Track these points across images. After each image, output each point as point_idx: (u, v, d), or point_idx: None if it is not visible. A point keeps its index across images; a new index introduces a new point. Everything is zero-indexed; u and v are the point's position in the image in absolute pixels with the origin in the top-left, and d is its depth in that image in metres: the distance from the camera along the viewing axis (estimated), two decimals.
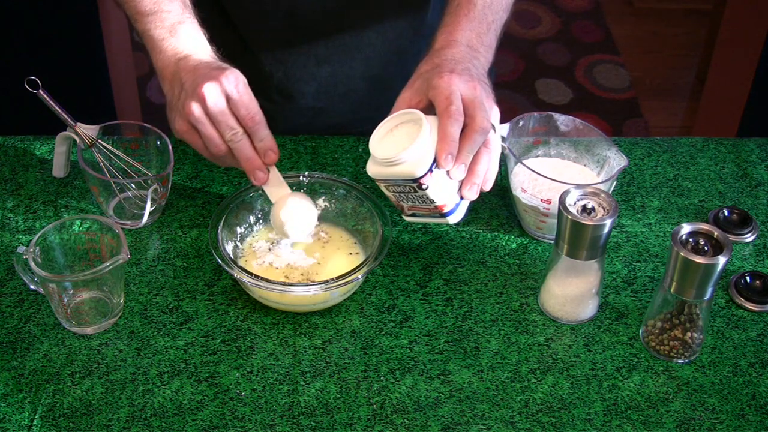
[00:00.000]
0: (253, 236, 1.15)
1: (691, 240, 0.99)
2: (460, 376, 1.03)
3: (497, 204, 1.23)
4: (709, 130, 2.53)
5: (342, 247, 1.15)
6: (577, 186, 1.05)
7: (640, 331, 1.07)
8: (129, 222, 1.18)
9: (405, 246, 1.17)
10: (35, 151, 1.29)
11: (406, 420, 0.98)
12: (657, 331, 1.05)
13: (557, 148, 1.21)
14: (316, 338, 1.06)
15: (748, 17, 2.37)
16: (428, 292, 1.12)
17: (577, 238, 1.01)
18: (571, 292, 1.07)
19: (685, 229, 0.99)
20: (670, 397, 1.01)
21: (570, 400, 1.01)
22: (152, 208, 1.16)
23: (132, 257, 1.14)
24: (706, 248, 0.98)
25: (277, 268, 1.11)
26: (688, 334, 1.03)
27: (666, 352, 1.05)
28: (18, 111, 2.06)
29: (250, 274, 1.05)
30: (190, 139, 1.06)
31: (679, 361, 1.05)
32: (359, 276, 1.06)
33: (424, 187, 0.99)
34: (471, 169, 1.02)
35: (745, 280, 1.12)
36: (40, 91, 1.13)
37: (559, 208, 1.02)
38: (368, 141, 1.03)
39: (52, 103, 1.14)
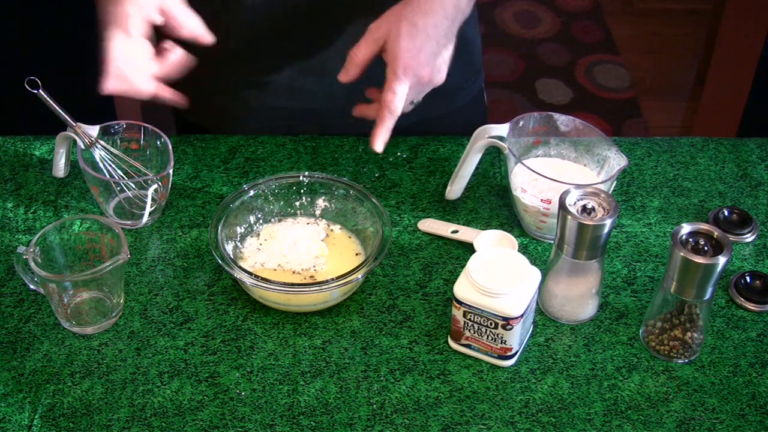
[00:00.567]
0: (252, 236, 1.15)
1: (691, 240, 0.99)
2: (460, 376, 1.03)
3: (497, 204, 1.23)
4: (709, 130, 2.53)
5: (342, 246, 1.15)
6: (577, 186, 1.05)
7: (640, 331, 1.07)
8: (129, 222, 1.18)
9: (405, 246, 1.17)
10: (35, 151, 1.29)
11: (406, 420, 0.98)
12: (657, 331, 1.05)
13: (557, 148, 1.21)
14: (316, 338, 1.06)
15: (748, 17, 2.37)
16: (428, 292, 1.12)
17: (577, 238, 1.01)
18: (571, 292, 1.07)
19: (685, 229, 0.99)
20: (670, 397, 1.01)
21: (570, 400, 1.01)
22: (152, 208, 1.16)
23: (132, 257, 1.14)
24: (706, 248, 0.98)
25: (275, 269, 1.11)
26: (688, 334, 1.03)
27: (666, 352, 1.05)
28: (18, 111, 2.06)
29: (250, 274, 1.05)
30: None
31: (679, 361, 1.05)
32: (359, 276, 1.06)
33: (509, 328, 1.00)
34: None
35: (745, 280, 1.12)
36: (40, 91, 1.13)
37: (559, 208, 1.02)
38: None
39: (52, 103, 1.14)
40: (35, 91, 1.12)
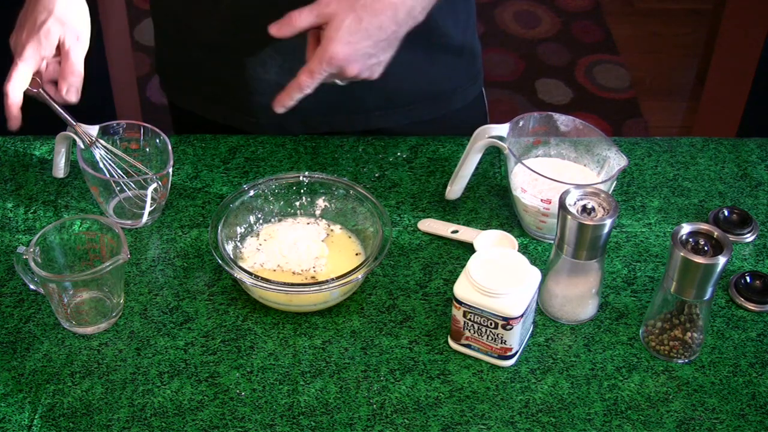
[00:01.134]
0: (252, 236, 1.15)
1: (691, 240, 0.99)
2: (460, 376, 1.03)
3: (497, 204, 1.23)
4: (709, 130, 2.53)
5: (342, 246, 1.15)
6: (577, 186, 1.05)
7: (640, 331, 1.07)
8: (129, 222, 1.18)
9: (405, 246, 1.17)
10: (35, 151, 1.29)
11: (406, 420, 0.98)
12: (657, 331, 1.05)
13: (557, 148, 1.21)
14: (316, 338, 1.06)
15: (748, 17, 2.37)
16: (428, 292, 1.12)
17: (577, 238, 1.01)
18: (571, 292, 1.07)
19: (685, 229, 0.99)
20: (670, 397, 1.01)
21: (570, 400, 1.01)
22: (152, 208, 1.16)
23: (132, 257, 1.14)
24: (706, 248, 0.98)
25: (274, 269, 1.11)
26: (688, 334, 1.03)
27: (666, 352, 1.05)
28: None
29: (250, 274, 1.05)
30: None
31: (679, 361, 1.05)
32: (359, 276, 1.06)
33: (509, 327, 1.00)
34: None
35: (745, 280, 1.12)
36: (41, 90, 1.13)
37: (559, 208, 1.02)
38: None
39: (53, 103, 1.14)
40: (36, 90, 1.12)
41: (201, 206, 1.22)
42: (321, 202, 1.18)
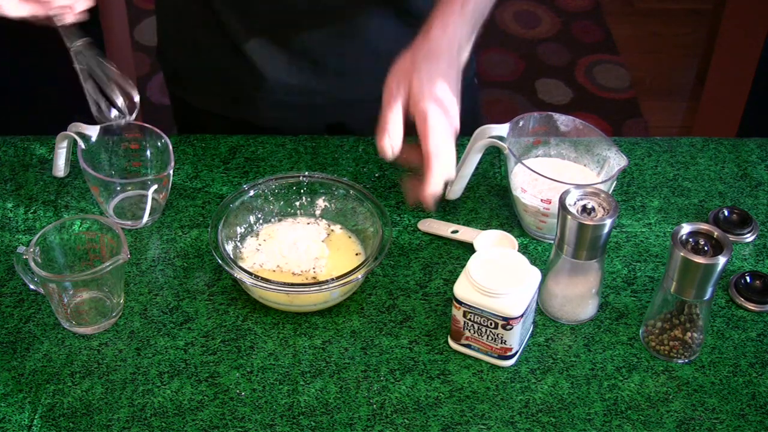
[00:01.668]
0: (252, 236, 1.15)
1: (691, 240, 0.99)
2: (460, 376, 1.03)
3: (497, 204, 1.23)
4: (709, 130, 2.53)
5: (342, 246, 1.15)
6: (577, 186, 1.05)
7: (640, 331, 1.07)
8: (129, 222, 1.18)
9: (405, 246, 1.17)
10: (35, 151, 1.29)
11: (406, 420, 0.98)
12: (657, 331, 1.05)
13: (557, 148, 1.21)
14: (316, 338, 1.06)
15: (748, 17, 2.37)
16: (428, 292, 1.12)
17: (577, 238, 1.01)
18: (571, 292, 1.07)
19: (685, 229, 0.99)
20: (670, 397, 1.01)
21: (570, 400, 1.01)
22: (152, 208, 1.16)
23: (132, 257, 1.14)
24: (706, 248, 0.98)
25: (274, 270, 1.11)
26: (688, 334, 1.03)
27: (666, 352, 1.05)
28: (18, 111, 2.06)
29: (250, 274, 1.05)
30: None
31: (679, 361, 1.05)
32: (359, 276, 1.06)
33: (508, 327, 1.00)
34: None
35: (745, 280, 1.12)
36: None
37: (559, 208, 1.02)
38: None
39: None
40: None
41: (201, 206, 1.22)
42: (321, 202, 1.18)
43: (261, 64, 1.31)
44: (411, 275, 1.14)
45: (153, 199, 1.14)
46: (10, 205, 1.21)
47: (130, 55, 2.65)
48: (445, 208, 1.22)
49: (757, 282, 1.12)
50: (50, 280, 1.02)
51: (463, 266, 1.11)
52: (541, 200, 1.13)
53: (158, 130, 1.20)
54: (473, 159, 1.19)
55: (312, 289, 1.04)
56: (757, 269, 1.15)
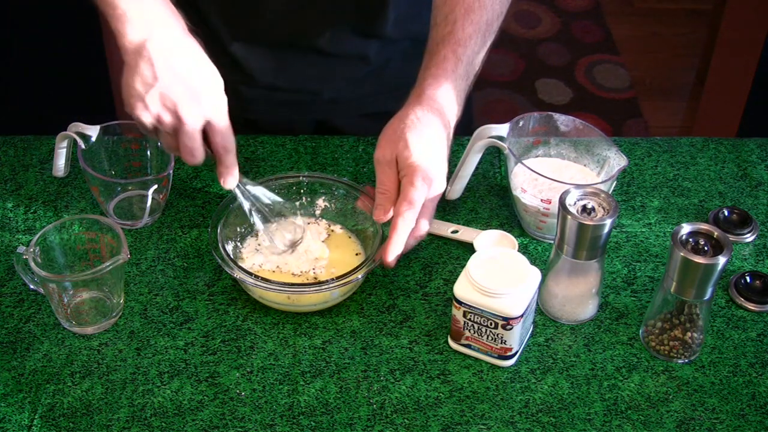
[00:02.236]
0: (252, 236, 1.15)
1: (691, 240, 0.99)
2: (460, 376, 1.03)
3: (497, 204, 1.23)
4: (709, 130, 2.53)
5: (342, 246, 1.15)
6: (577, 186, 1.05)
7: (640, 331, 1.07)
8: (129, 222, 1.18)
9: None
10: (35, 151, 1.29)
11: (406, 420, 0.98)
12: (657, 331, 1.04)
13: (557, 148, 1.21)
14: (316, 338, 1.06)
15: (748, 17, 2.37)
16: (428, 292, 1.12)
17: (577, 238, 1.01)
18: (571, 292, 1.07)
19: (685, 229, 0.99)
20: (670, 397, 1.01)
21: (570, 400, 1.01)
22: (152, 208, 1.16)
23: (132, 257, 1.14)
24: (706, 248, 0.98)
25: (273, 270, 1.11)
26: (688, 334, 1.03)
27: (666, 352, 1.05)
28: (18, 111, 2.06)
29: (250, 274, 1.05)
30: (146, 130, 1.03)
31: (679, 361, 1.05)
32: (359, 276, 1.06)
33: (508, 327, 1.00)
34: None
35: (745, 280, 1.12)
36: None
37: (559, 208, 1.02)
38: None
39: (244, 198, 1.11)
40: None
41: (201, 206, 1.22)
42: (321, 202, 1.18)
43: (247, 65, 1.31)
44: (411, 275, 1.14)
45: (153, 199, 1.14)
46: (10, 205, 1.21)
47: None
48: (445, 208, 1.22)
49: (757, 282, 1.12)
50: (50, 280, 1.02)
51: (463, 266, 1.11)
52: (541, 200, 1.13)
53: None
54: (473, 159, 1.19)
55: (312, 289, 1.04)
56: (757, 269, 1.15)
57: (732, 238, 1.17)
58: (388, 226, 1.11)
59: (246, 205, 1.11)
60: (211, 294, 1.11)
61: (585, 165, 1.20)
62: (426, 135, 1.06)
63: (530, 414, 0.99)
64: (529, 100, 2.96)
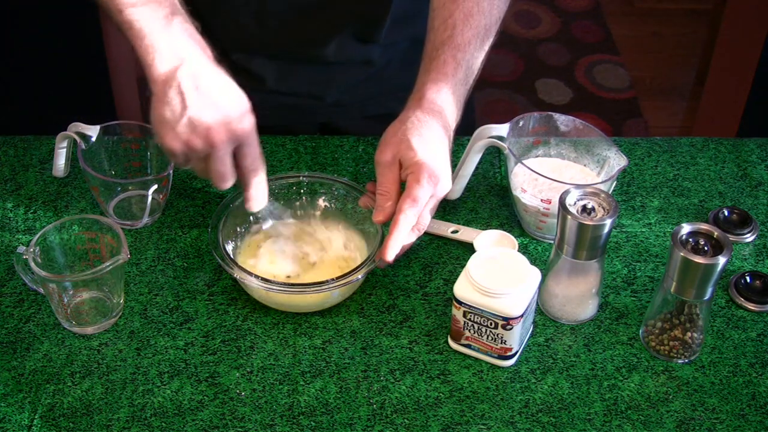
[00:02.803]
0: (251, 236, 1.15)
1: (691, 240, 0.99)
2: (460, 376, 1.03)
3: (497, 204, 1.23)
4: (709, 130, 2.53)
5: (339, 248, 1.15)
6: (577, 186, 1.05)
7: (640, 331, 1.07)
8: (129, 222, 1.18)
9: None
10: (35, 151, 1.29)
11: (406, 420, 0.98)
12: (657, 331, 1.05)
13: (557, 148, 1.21)
14: (316, 338, 1.06)
15: (748, 17, 2.37)
16: (428, 292, 1.12)
17: (577, 238, 1.01)
18: (571, 292, 1.07)
19: (685, 229, 0.99)
20: (670, 397, 1.01)
21: (570, 400, 1.01)
22: (152, 208, 1.16)
23: (132, 257, 1.14)
24: (706, 248, 0.98)
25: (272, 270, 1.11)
26: (688, 334, 1.03)
27: (666, 352, 1.05)
28: (18, 111, 2.06)
29: (250, 274, 1.05)
30: (177, 158, 1.03)
31: (679, 361, 1.05)
32: (359, 276, 1.06)
33: (508, 327, 1.00)
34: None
35: (745, 280, 1.12)
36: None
37: (559, 208, 1.02)
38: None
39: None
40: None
41: (201, 206, 1.22)
42: (321, 202, 1.18)
43: (250, 72, 1.32)
44: (411, 275, 1.14)
45: (153, 199, 1.14)
46: (10, 205, 1.21)
47: (131, 55, 2.65)
48: (445, 208, 1.22)
49: (757, 282, 1.12)
50: (50, 280, 1.02)
51: (463, 266, 1.11)
52: (541, 200, 1.13)
53: None
54: (473, 159, 1.19)
55: (312, 289, 1.04)
56: (757, 269, 1.15)
57: (732, 238, 1.17)
58: (388, 225, 1.11)
59: (267, 225, 1.11)
60: (211, 294, 1.11)
61: (585, 165, 1.20)
62: (427, 136, 1.06)
63: (530, 414, 0.99)
64: (529, 100, 2.96)
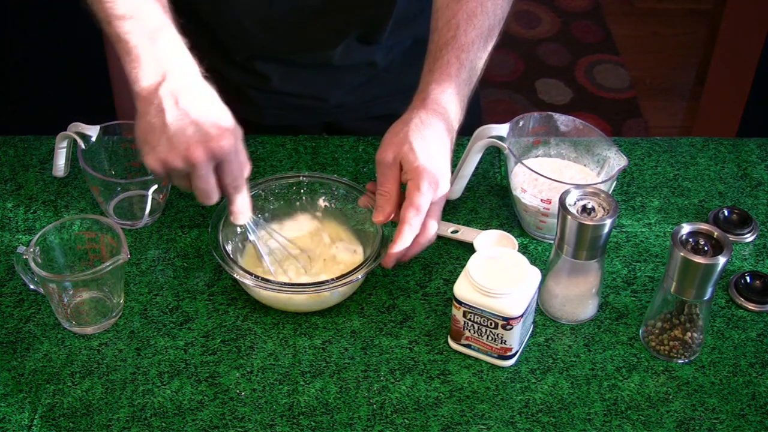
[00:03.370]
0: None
1: (691, 240, 0.99)
2: (460, 376, 1.03)
3: (497, 204, 1.23)
4: (709, 130, 2.53)
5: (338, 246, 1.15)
6: (577, 186, 1.05)
7: (640, 331, 1.07)
8: (129, 222, 1.18)
9: None
10: (35, 151, 1.29)
11: (406, 420, 0.98)
12: (657, 331, 1.04)
13: (557, 148, 1.21)
14: (316, 338, 1.06)
15: (748, 17, 2.37)
16: (428, 292, 1.12)
17: (577, 238, 1.01)
18: (571, 292, 1.07)
19: (685, 229, 0.99)
20: (670, 397, 1.01)
21: (570, 400, 1.01)
22: (152, 208, 1.16)
23: (132, 257, 1.14)
24: (706, 248, 0.98)
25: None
26: (688, 334, 1.03)
27: (666, 352, 1.05)
28: (18, 111, 2.06)
29: (250, 274, 1.05)
30: (159, 176, 1.02)
31: (679, 361, 1.05)
32: (359, 276, 1.06)
33: (508, 327, 1.00)
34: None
35: (745, 280, 1.12)
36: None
37: (559, 208, 1.02)
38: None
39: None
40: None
41: (201, 206, 1.22)
42: (321, 202, 1.18)
43: (256, 74, 1.32)
44: (411, 275, 1.14)
45: (153, 199, 1.14)
46: (10, 205, 1.21)
47: None
48: (445, 208, 1.21)
49: (757, 282, 1.12)
50: (50, 280, 1.02)
51: (463, 266, 1.11)
52: (541, 200, 1.13)
53: None
54: (473, 159, 1.19)
55: (312, 289, 1.04)
56: (757, 269, 1.15)
57: (732, 238, 1.17)
58: (388, 225, 1.11)
59: (252, 237, 1.10)
60: (211, 294, 1.11)
61: (585, 165, 1.20)
62: (430, 138, 1.06)
63: (530, 414, 0.99)
64: (529, 100, 2.96)
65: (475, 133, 1.17)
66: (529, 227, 1.19)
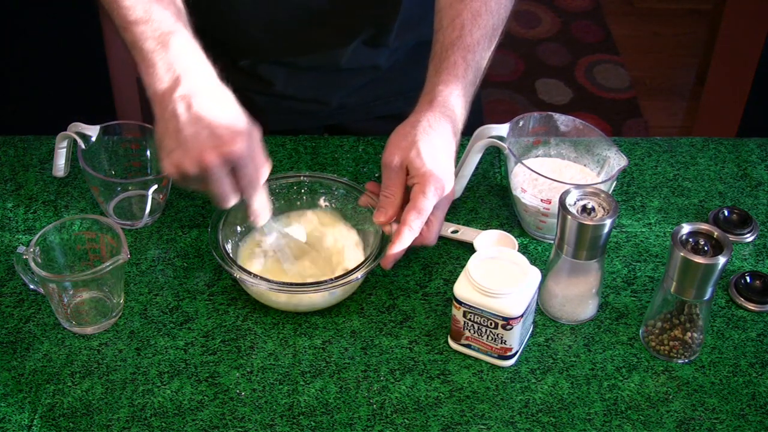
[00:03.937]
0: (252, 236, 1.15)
1: (691, 240, 0.99)
2: (460, 376, 1.03)
3: (497, 204, 1.23)
4: (709, 130, 2.53)
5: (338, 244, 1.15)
6: (577, 186, 1.05)
7: (640, 331, 1.07)
8: (129, 222, 1.18)
9: None
10: (35, 151, 1.29)
11: (406, 420, 0.98)
12: (657, 331, 1.05)
13: (557, 148, 1.21)
14: (316, 338, 1.06)
15: (748, 17, 2.37)
16: (428, 292, 1.12)
17: (577, 238, 1.01)
18: (571, 292, 1.07)
19: (685, 229, 0.99)
20: (670, 397, 1.01)
21: (570, 400, 1.01)
22: (152, 208, 1.16)
23: (132, 257, 1.14)
24: (706, 248, 0.98)
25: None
26: (688, 334, 1.03)
27: (666, 352, 1.05)
28: (18, 111, 2.06)
29: (250, 273, 1.05)
30: (175, 181, 1.01)
31: (679, 361, 1.05)
32: (359, 276, 1.06)
33: (508, 327, 1.00)
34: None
35: (745, 280, 1.12)
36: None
37: (559, 208, 1.02)
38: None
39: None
40: None
41: (201, 206, 1.22)
42: (321, 202, 1.18)
43: (259, 78, 1.32)
44: (411, 275, 1.14)
45: (153, 199, 1.14)
46: (10, 205, 1.21)
47: (131, 55, 2.64)
48: None
49: (757, 282, 1.12)
50: (50, 280, 1.02)
51: (463, 266, 1.11)
52: (541, 200, 1.13)
53: None
54: (473, 159, 1.19)
55: (312, 288, 1.04)
56: (757, 269, 1.15)
57: (732, 238, 1.17)
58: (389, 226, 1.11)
59: (270, 240, 1.11)
60: (211, 294, 1.11)
61: (585, 165, 1.20)
62: (437, 143, 1.06)
63: (530, 414, 0.99)
64: (529, 100, 2.96)
65: (475, 133, 1.17)
66: (529, 227, 1.19)
